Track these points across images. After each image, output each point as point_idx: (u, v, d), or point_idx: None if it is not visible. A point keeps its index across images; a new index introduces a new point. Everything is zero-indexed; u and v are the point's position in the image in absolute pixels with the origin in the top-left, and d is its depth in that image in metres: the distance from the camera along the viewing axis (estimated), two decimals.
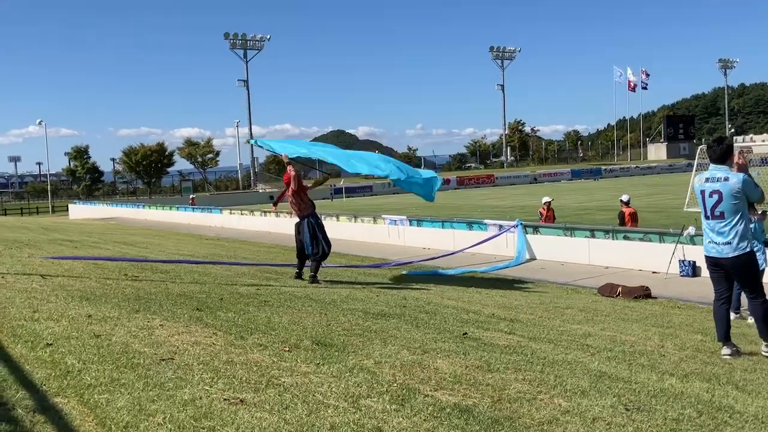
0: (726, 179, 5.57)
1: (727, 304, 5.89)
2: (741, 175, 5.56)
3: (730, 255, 5.58)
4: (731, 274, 5.75)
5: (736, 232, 5.55)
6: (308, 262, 10.18)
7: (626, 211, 15.64)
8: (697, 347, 6.10)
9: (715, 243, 5.67)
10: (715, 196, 5.60)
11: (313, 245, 9.90)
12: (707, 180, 5.71)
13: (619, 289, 10.03)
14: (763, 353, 5.76)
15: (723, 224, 5.59)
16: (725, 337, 5.82)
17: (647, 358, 5.45)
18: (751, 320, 6.66)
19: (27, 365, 3.92)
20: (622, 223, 15.23)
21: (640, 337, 6.48)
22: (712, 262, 5.81)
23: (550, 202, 17.29)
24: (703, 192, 5.72)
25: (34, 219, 44.04)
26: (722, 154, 5.71)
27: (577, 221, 18.86)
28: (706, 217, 5.74)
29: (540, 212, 17.40)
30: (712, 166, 5.76)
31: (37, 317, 5.32)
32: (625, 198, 15.89)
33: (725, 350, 5.76)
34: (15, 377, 3.64)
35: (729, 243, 5.58)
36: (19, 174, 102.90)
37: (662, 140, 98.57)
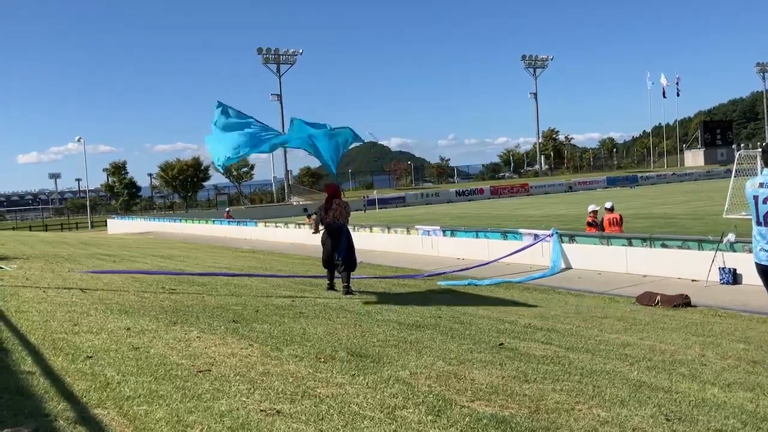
0: None
1: None
2: None
3: None
4: None
5: None
6: (337, 273, 10.41)
7: (607, 217, 15.68)
8: (740, 356, 5.95)
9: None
10: None
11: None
12: (762, 185, 5.43)
13: (658, 297, 9.85)
14: None
15: None
16: None
17: (688, 367, 5.34)
18: None
19: (68, 377, 3.99)
20: (601, 229, 15.70)
21: (680, 347, 6.35)
22: (763, 269, 5.54)
23: (596, 210, 16.44)
24: (756, 197, 5.44)
25: (74, 234, 44.91)
26: None
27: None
28: (758, 224, 5.48)
29: (588, 221, 16.42)
30: (766, 170, 5.49)
31: (77, 330, 5.42)
32: (608, 205, 16.27)
33: None
34: (56, 389, 3.70)
35: None
36: (59, 190, 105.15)
37: (699, 146, 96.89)
